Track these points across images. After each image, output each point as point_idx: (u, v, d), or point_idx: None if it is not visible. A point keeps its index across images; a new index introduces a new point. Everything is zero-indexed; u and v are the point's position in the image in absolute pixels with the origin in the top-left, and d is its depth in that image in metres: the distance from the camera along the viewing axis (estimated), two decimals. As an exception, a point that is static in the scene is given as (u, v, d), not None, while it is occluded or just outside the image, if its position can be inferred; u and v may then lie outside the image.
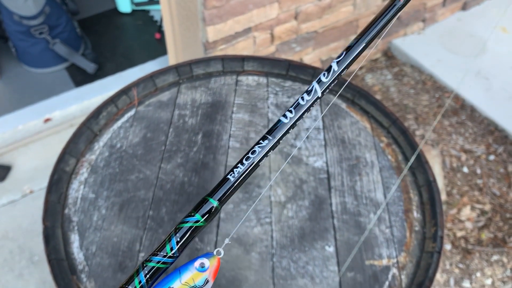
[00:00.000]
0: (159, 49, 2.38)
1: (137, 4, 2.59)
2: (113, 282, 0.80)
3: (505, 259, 1.63)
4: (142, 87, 1.08)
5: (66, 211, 0.89)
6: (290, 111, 0.48)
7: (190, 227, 0.43)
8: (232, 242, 0.85)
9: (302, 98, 0.48)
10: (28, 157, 1.89)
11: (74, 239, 0.85)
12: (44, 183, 1.79)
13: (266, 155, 0.47)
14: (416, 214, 0.90)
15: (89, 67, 2.21)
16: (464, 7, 2.51)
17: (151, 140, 1.00)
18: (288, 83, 1.12)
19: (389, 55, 2.36)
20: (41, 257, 1.62)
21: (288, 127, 0.47)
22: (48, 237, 0.83)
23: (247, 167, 0.46)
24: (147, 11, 2.64)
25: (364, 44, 0.50)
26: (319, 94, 0.48)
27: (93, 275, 0.81)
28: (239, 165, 0.47)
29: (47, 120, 1.96)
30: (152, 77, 1.09)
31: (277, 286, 0.80)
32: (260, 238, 0.86)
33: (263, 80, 1.13)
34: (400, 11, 0.52)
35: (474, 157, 1.92)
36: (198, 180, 0.93)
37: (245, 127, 1.03)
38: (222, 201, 0.45)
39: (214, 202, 0.44)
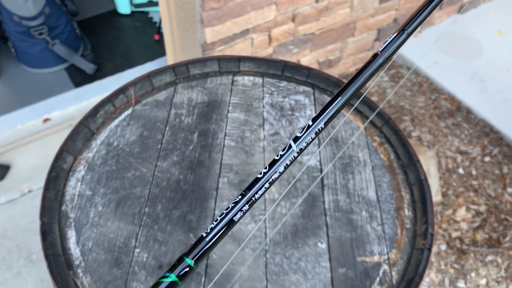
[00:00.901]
0: (158, 50, 2.40)
1: (136, 6, 2.61)
2: (109, 277, 0.81)
3: (499, 260, 1.65)
4: (139, 87, 1.09)
5: (63, 207, 0.90)
6: (265, 167, 0.48)
7: (168, 285, 0.44)
8: (226, 238, 0.87)
9: (277, 155, 0.49)
10: (27, 156, 1.91)
11: (71, 235, 0.87)
12: (43, 182, 1.81)
13: (241, 210, 0.47)
14: (407, 212, 0.91)
15: (88, 67, 2.23)
16: (460, 10, 2.53)
17: (147, 139, 1.02)
18: (283, 83, 1.14)
19: (386, 57, 2.37)
20: (39, 255, 1.63)
21: (264, 181, 0.48)
22: (45, 232, 0.84)
23: (222, 224, 0.46)
24: (146, 13, 2.66)
25: (342, 101, 0.50)
26: (295, 148, 0.49)
27: (89, 270, 0.82)
28: (213, 222, 0.47)
29: (46, 120, 1.97)
30: (149, 76, 1.10)
31: (270, 281, 0.81)
32: (254, 234, 0.87)
33: (258, 80, 1.14)
34: (381, 67, 0.51)
35: (470, 159, 1.93)
36: (194, 177, 0.95)
37: (240, 126, 1.05)
38: (197, 260, 0.46)
39: (189, 261, 0.45)
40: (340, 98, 0.50)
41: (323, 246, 0.86)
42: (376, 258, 0.85)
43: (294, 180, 0.94)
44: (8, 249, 1.64)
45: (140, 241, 0.86)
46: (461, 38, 2.43)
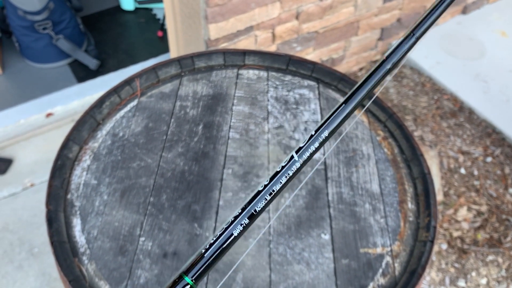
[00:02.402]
0: (161, 47, 2.41)
1: (140, 2, 2.62)
2: (113, 265, 0.82)
3: (500, 259, 1.65)
4: (145, 79, 1.10)
5: (69, 196, 0.91)
6: (267, 180, 0.46)
7: None
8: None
9: (279, 166, 0.47)
10: (30, 150, 1.91)
11: (76, 223, 0.87)
12: (45, 176, 1.81)
13: (241, 224, 0.45)
14: (410, 205, 0.92)
15: (92, 63, 2.23)
16: (464, 11, 2.54)
17: (153, 130, 1.02)
18: (288, 77, 1.14)
19: (388, 57, 2.38)
20: (40, 249, 1.63)
21: (265, 193, 0.46)
22: (51, 220, 0.85)
23: (222, 240, 0.44)
24: (150, 9, 2.67)
25: (348, 110, 0.47)
26: (297, 159, 0.46)
27: (94, 258, 0.82)
28: (212, 238, 0.45)
29: (49, 115, 1.98)
30: (154, 69, 1.11)
31: (274, 271, 0.82)
32: (258, 225, 0.88)
33: (263, 74, 1.15)
34: (389, 73, 0.48)
35: (472, 159, 1.94)
36: (198, 168, 0.95)
37: (245, 119, 1.05)
38: (197, 278, 0.44)
39: (188, 280, 0.43)
40: (344, 105, 0.47)
41: (326, 237, 0.86)
42: (379, 250, 0.85)
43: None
44: (9, 242, 1.65)
45: (145, 229, 0.86)
46: (464, 38, 2.44)
